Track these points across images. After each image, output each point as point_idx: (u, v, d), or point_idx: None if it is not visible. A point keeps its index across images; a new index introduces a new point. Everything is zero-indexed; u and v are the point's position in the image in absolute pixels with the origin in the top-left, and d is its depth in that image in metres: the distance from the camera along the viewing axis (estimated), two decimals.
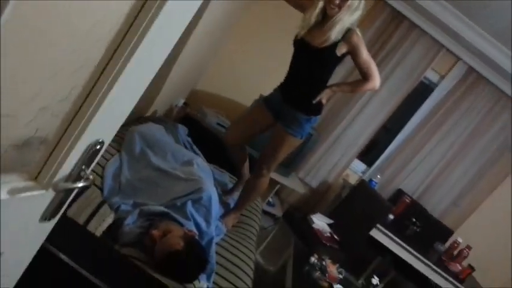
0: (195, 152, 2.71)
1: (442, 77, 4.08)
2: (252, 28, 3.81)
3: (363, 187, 3.89)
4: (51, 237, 1.33)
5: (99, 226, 1.65)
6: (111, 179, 2.01)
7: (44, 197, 0.94)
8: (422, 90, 4.21)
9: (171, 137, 2.57)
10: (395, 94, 4.01)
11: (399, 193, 4.17)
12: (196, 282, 1.68)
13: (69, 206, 1.58)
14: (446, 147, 4.16)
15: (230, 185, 2.85)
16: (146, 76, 0.98)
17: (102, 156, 2.07)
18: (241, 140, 2.58)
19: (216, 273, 1.97)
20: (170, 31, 0.94)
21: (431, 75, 4.12)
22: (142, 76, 0.97)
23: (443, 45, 3.86)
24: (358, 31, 2.19)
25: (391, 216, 3.89)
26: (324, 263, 2.76)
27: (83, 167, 0.95)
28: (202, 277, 1.76)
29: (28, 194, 0.89)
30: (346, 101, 3.98)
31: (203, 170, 2.32)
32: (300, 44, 2.24)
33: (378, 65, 3.79)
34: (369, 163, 4.40)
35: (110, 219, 1.74)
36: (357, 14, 2.14)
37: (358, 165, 4.39)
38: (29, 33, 0.68)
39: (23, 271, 1.13)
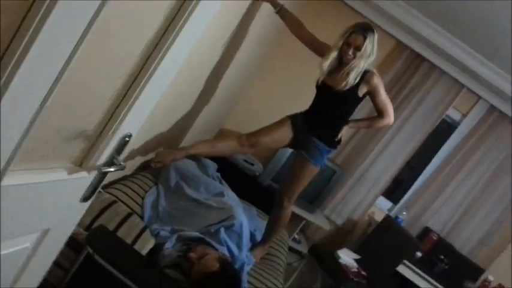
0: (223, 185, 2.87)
1: (464, 115, 4.17)
2: (277, 69, 4.04)
3: (390, 223, 3.92)
4: (102, 252, 1.50)
5: (143, 249, 1.80)
6: (149, 208, 2.17)
7: (86, 180, 1.17)
8: (445, 129, 4.30)
9: (202, 171, 2.75)
10: (417, 132, 4.11)
11: (426, 230, 4.16)
12: None
13: (118, 229, 1.74)
14: (471, 185, 4.17)
15: (257, 219, 2.96)
16: (164, 85, 1.24)
17: (142, 188, 2.27)
18: (263, 147, 2.64)
19: None
20: (181, 52, 1.19)
21: (453, 114, 4.21)
22: (162, 84, 1.22)
23: (463, 85, 3.98)
24: (376, 72, 2.38)
25: (418, 253, 3.89)
26: None
27: (116, 155, 1.19)
28: None
29: (76, 175, 1.11)
30: (370, 139, 4.10)
31: (233, 201, 2.46)
32: (322, 88, 2.42)
33: (400, 104, 4.00)
34: (395, 200, 4.44)
35: (151, 244, 1.89)
36: (371, 59, 2.32)
37: (384, 203, 4.43)
38: (95, 50, 0.89)
39: (60, 249, 1.31)
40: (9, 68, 0.71)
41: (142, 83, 1.11)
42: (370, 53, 2.28)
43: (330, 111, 2.47)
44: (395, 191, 4.52)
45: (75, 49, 0.81)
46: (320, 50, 2.46)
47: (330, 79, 2.38)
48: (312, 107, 2.54)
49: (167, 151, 2.32)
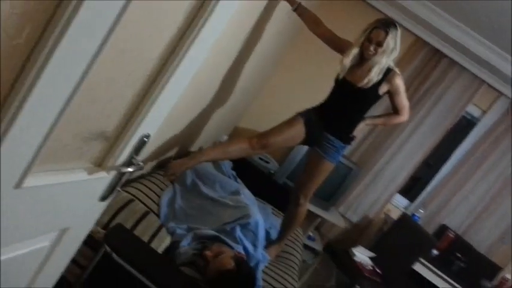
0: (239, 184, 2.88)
1: (484, 112, 4.09)
2: (293, 66, 4.02)
3: (406, 221, 3.88)
4: (120, 251, 1.52)
5: (159, 246, 1.82)
6: (166, 207, 2.19)
7: (105, 180, 1.18)
8: (464, 125, 4.23)
9: (218, 170, 2.76)
10: (436, 129, 4.05)
11: (443, 228, 4.11)
12: None
13: (135, 227, 1.77)
14: (490, 182, 4.10)
15: (272, 217, 2.96)
16: (183, 85, 1.24)
17: (159, 186, 2.29)
18: (275, 147, 2.58)
19: None
20: (199, 56, 1.19)
21: (473, 110, 4.14)
22: (181, 85, 1.22)
23: (483, 81, 3.91)
24: (398, 71, 2.34)
25: (435, 251, 3.84)
26: None
27: (134, 155, 1.20)
28: None
29: (96, 176, 1.13)
30: (387, 136, 4.05)
31: (249, 199, 2.47)
32: (342, 84, 2.37)
33: (419, 100, 3.95)
34: (411, 198, 4.39)
35: (167, 242, 1.91)
36: (394, 55, 2.28)
37: (400, 200, 4.39)
38: (115, 51, 0.90)
39: (78, 248, 1.33)
40: (34, 72, 0.72)
41: (161, 84, 1.11)
42: (392, 49, 2.24)
43: (348, 108, 2.43)
44: (412, 188, 4.48)
45: (99, 51, 0.81)
46: (339, 46, 2.43)
47: (351, 75, 2.34)
48: (327, 102, 2.48)
49: (178, 162, 2.26)
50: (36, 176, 0.91)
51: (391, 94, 2.40)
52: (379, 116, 2.78)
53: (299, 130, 2.45)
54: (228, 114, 3.43)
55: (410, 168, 4.13)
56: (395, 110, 2.49)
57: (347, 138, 2.47)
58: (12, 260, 1.05)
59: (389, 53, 2.24)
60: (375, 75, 2.26)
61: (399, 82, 2.35)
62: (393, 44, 2.24)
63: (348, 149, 4.08)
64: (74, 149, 1.01)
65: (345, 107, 2.43)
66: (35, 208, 0.99)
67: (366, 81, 2.27)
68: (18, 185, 0.88)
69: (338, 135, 2.42)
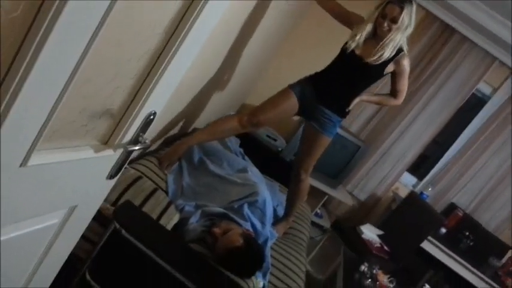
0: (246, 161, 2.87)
1: (495, 90, 4.01)
2: (301, 42, 3.95)
3: (414, 199, 3.87)
4: (129, 227, 1.52)
5: (168, 224, 1.83)
6: (173, 184, 2.19)
7: (112, 158, 1.18)
8: (475, 103, 4.16)
9: (225, 147, 2.75)
10: (446, 107, 3.98)
11: (452, 207, 4.10)
12: (253, 278, 1.80)
13: (143, 204, 1.77)
14: (500, 161, 4.06)
15: (279, 194, 2.96)
16: (188, 61, 1.21)
17: None
18: (267, 124, 2.53)
19: (271, 273, 2.10)
20: (205, 29, 1.15)
21: (484, 88, 4.07)
22: (186, 61, 1.19)
23: (495, 57, 3.82)
24: (407, 51, 2.28)
25: (443, 230, 3.85)
26: (374, 271, 2.80)
27: (141, 133, 1.19)
28: (259, 274, 1.89)
29: (102, 154, 1.12)
30: (396, 113, 4.01)
31: (257, 177, 2.46)
32: (350, 56, 2.29)
33: (429, 77, 3.88)
34: (420, 176, 4.37)
35: (176, 219, 1.92)
36: (408, 31, 2.21)
37: (409, 179, 4.37)
38: (118, 27, 0.87)
39: (87, 225, 1.33)
40: (33, 47, 0.70)
41: (166, 60, 1.08)
42: (407, 25, 2.17)
43: (349, 82, 2.36)
44: (420, 166, 4.45)
45: (101, 24, 0.79)
46: (349, 20, 2.36)
47: (361, 49, 2.26)
48: (326, 73, 2.39)
49: (169, 152, 2.23)
50: (41, 154, 0.90)
51: (395, 75, 2.37)
52: (376, 95, 2.73)
53: (291, 103, 2.37)
54: (235, 91, 3.39)
55: (419, 146, 4.09)
56: (393, 93, 2.47)
57: (343, 112, 2.42)
58: (22, 237, 1.06)
59: (404, 29, 2.18)
60: (387, 52, 2.20)
61: (406, 64, 2.31)
62: (408, 20, 2.16)
63: (356, 126, 4.07)
64: (79, 126, 1.00)
65: (346, 80, 2.35)
66: (42, 186, 0.99)
67: (376, 57, 2.21)
68: (24, 163, 0.87)
69: (334, 108, 2.37)
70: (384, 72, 2.31)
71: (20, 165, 0.87)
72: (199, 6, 1.03)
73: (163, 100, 1.22)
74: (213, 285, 1.55)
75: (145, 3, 0.91)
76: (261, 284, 1.90)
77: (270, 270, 2.06)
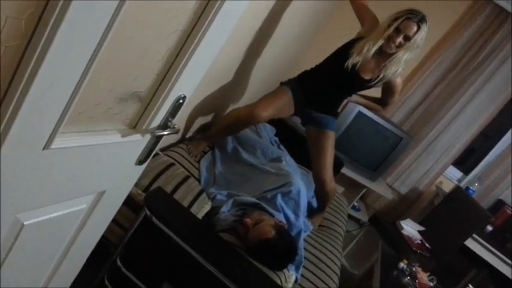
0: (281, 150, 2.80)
1: None
2: (332, 37, 3.79)
3: (459, 194, 3.67)
4: (160, 215, 1.50)
5: (199, 212, 1.80)
6: (205, 172, 2.17)
7: (140, 143, 1.14)
8: None
9: (260, 135, 2.69)
10: (495, 99, 3.73)
11: (499, 204, 3.87)
12: (285, 271, 1.74)
13: (175, 191, 1.75)
14: None
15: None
16: (219, 43, 1.14)
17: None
18: (270, 117, 2.35)
19: (304, 267, 2.03)
20: (238, 6, 1.09)
21: None
22: (216, 42, 1.12)
23: None
24: (402, 72, 2.20)
25: (489, 228, 3.63)
26: (414, 269, 2.67)
27: (170, 118, 1.13)
28: (291, 267, 1.83)
29: (130, 138, 1.08)
30: (442, 104, 3.80)
31: (291, 166, 2.39)
32: (346, 66, 2.13)
33: (478, 67, 3.64)
34: (466, 171, 4.14)
35: (207, 207, 1.88)
36: (415, 52, 2.09)
37: (454, 173, 4.16)
38: (144, 5, 0.84)
39: (116, 211, 1.31)
40: (52, 21, 0.66)
41: (195, 41, 1.02)
42: (417, 46, 2.04)
43: (340, 91, 2.30)
44: (467, 160, 4.21)
45: (121, 5, 0.74)
46: (362, 16, 2.22)
47: (360, 65, 2.12)
48: (315, 77, 2.28)
49: (194, 144, 2.23)
50: (65, 137, 0.88)
51: (387, 89, 2.33)
52: (365, 97, 2.61)
53: (289, 101, 2.28)
54: (264, 81, 3.31)
55: (466, 139, 3.87)
56: (382, 102, 2.46)
57: (333, 113, 2.36)
58: (49, 221, 1.05)
59: (413, 49, 2.05)
60: (388, 74, 2.11)
61: (399, 82, 2.28)
62: (419, 41, 2.03)
63: (398, 117, 3.89)
64: (105, 109, 0.97)
65: (337, 89, 2.27)
66: (67, 170, 0.96)
67: (376, 80, 2.15)
68: (47, 146, 0.84)
69: (324, 111, 2.32)
70: (376, 86, 2.25)
71: (44, 148, 0.84)
72: None
73: (194, 83, 1.17)
74: (243, 277, 1.50)
75: None
76: (294, 278, 1.84)
77: (303, 263, 2.00)
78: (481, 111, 3.79)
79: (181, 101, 1.15)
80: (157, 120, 1.13)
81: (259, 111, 2.15)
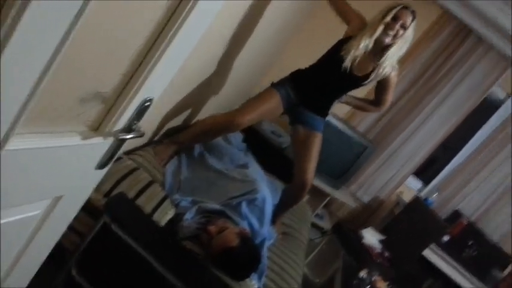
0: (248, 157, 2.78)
1: (509, 95, 3.89)
2: (312, 35, 3.82)
3: (418, 205, 3.77)
4: (120, 221, 1.44)
5: (162, 218, 1.74)
6: (171, 177, 2.11)
7: (102, 146, 1.09)
8: (487, 108, 4.04)
9: (227, 141, 2.66)
10: (457, 111, 3.86)
11: (456, 214, 3.99)
12: (247, 280, 1.72)
13: (138, 197, 1.69)
14: (508, 170, 3.95)
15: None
16: (189, 46, 1.11)
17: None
18: (251, 124, 2.35)
19: (266, 276, 2.01)
20: (210, 8, 1.07)
21: (497, 92, 3.94)
22: (187, 45, 1.09)
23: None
24: (397, 66, 2.22)
25: (446, 237, 3.75)
26: (373, 278, 2.71)
27: (135, 121, 1.09)
28: (254, 276, 1.80)
29: (91, 141, 1.02)
30: (405, 115, 3.89)
31: (257, 173, 2.37)
32: (339, 65, 2.15)
33: (441, 78, 3.76)
34: (426, 181, 4.27)
35: (171, 213, 1.83)
36: (405, 47, 2.13)
37: (414, 183, 4.27)
38: (109, 4, 0.80)
39: (73, 217, 1.25)
40: (12, 15, 0.61)
41: (165, 42, 0.98)
42: (407, 40, 2.09)
43: (334, 89, 2.31)
44: (427, 170, 4.34)
45: None
46: (348, 17, 2.23)
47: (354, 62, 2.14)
48: (308, 76, 2.28)
49: (161, 147, 2.15)
50: (21, 137, 0.82)
51: (381, 85, 2.31)
52: (357, 99, 2.62)
53: (276, 105, 2.26)
54: (240, 84, 3.30)
55: (427, 150, 3.98)
56: (377, 101, 2.43)
57: (324, 113, 2.36)
58: (1, 227, 0.98)
59: (404, 43, 2.10)
60: (388, 70, 2.13)
61: (394, 77, 2.26)
62: (411, 34, 2.09)
63: (364, 126, 3.96)
64: (66, 110, 0.91)
65: (332, 87, 2.29)
66: (22, 174, 0.90)
67: (372, 77, 2.15)
68: (1, 147, 0.78)
69: (315, 110, 2.31)
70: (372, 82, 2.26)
71: None
72: None
73: (162, 86, 1.13)
74: (204, 287, 1.47)
75: None
76: (255, 287, 1.82)
77: (266, 273, 1.98)
78: (442, 123, 3.91)
79: (147, 103, 1.10)
80: (122, 123, 1.08)
81: (241, 119, 2.12)
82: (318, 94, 2.29)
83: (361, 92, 2.53)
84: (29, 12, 0.62)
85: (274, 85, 2.30)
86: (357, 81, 2.20)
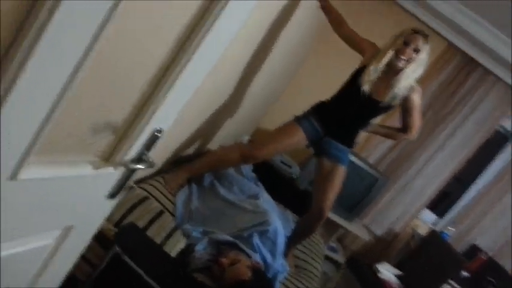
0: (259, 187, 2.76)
1: None
2: (318, 66, 3.87)
3: (435, 239, 3.67)
4: (131, 252, 1.42)
5: (173, 249, 1.72)
6: (182, 207, 2.10)
7: (112, 176, 1.09)
8: (498, 140, 3.99)
9: (237, 171, 2.65)
10: (468, 143, 3.82)
11: (474, 249, 3.88)
12: None
13: (148, 226, 1.68)
14: None
15: (292, 224, 2.81)
16: (198, 78, 1.12)
17: None
18: (269, 157, 2.40)
19: None
20: (218, 42, 1.07)
21: (508, 124, 3.90)
22: (196, 77, 1.11)
23: None
24: (419, 88, 2.20)
25: (464, 273, 3.62)
26: None
27: (145, 151, 1.09)
28: None
29: (102, 171, 1.02)
30: (417, 147, 3.86)
31: (268, 204, 2.35)
32: (359, 91, 2.17)
33: (450, 112, 3.75)
34: (440, 214, 4.18)
35: (182, 244, 1.81)
36: (421, 69, 2.13)
37: (428, 216, 4.18)
38: (123, 37, 0.81)
39: (85, 247, 1.23)
40: (25, 48, 0.63)
41: (175, 75, 1.00)
42: (422, 63, 2.10)
43: (357, 117, 2.29)
44: (440, 203, 4.25)
45: (101, 29, 0.71)
46: (360, 47, 2.27)
47: (372, 86, 2.16)
48: (333, 105, 2.29)
49: (171, 176, 2.15)
50: (33, 167, 0.82)
51: (405, 109, 2.27)
52: (384, 127, 2.61)
53: (298, 139, 2.28)
54: (249, 114, 3.31)
55: (439, 183, 3.92)
56: (404, 127, 2.36)
57: (351, 143, 2.35)
58: (12, 257, 0.97)
59: (420, 65, 2.10)
60: (401, 90, 2.11)
61: (417, 98, 2.21)
62: (426, 57, 2.10)
63: (374, 157, 3.92)
64: (77, 140, 0.92)
65: (354, 115, 2.27)
66: (34, 203, 0.90)
67: (389, 95, 2.12)
68: (13, 176, 0.79)
69: (342, 140, 2.30)
70: (394, 106, 2.24)
71: (9, 179, 0.79)
72: (213, 18, 0.95)
73: (171, 117, 1.14)
74: None
75: (154, 12, 0.84)
76: None
77: None
78: (453, 156, 3.86)
79: (158, 134, 1.11)
80: (132, 153, 1.08)
81: (261, 153, 2.14)
82: (342, 124, 2.29)
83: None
84: (43, 43, 0.63)
85: (296, 119, 2.31)
86: (376, 105, 2.19)
